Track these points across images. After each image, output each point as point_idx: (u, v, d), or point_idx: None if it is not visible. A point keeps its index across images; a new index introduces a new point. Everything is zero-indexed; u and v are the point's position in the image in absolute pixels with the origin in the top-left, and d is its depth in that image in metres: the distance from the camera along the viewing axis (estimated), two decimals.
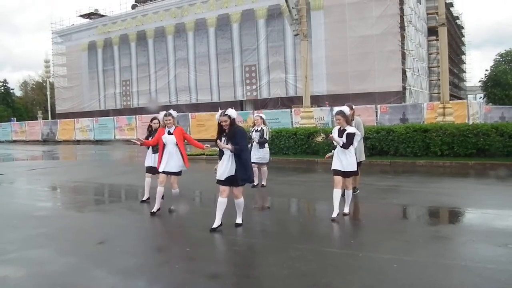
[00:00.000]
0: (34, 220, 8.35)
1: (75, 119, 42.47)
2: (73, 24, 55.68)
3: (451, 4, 50.49)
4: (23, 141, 45.10)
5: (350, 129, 7.63)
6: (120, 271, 5.27)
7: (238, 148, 6.63)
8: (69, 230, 7.51)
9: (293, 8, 21.64)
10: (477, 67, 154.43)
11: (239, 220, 7.08)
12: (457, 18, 57.06)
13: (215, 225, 6.87)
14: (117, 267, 5.43)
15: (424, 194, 9.91)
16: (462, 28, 62.15)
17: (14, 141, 46.06)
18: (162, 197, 8.62)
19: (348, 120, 7.77)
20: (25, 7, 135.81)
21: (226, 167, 6.74)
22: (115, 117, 39.48)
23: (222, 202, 6.87)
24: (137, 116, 36.79)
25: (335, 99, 34.47)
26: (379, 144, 15.54)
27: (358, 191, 9.64)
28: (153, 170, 9.25)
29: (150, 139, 9.46)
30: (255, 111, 28.93)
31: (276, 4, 39.56)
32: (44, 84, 70.75)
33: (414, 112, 25.17)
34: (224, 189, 6.82)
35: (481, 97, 55.30)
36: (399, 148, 15.30)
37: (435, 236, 6.55)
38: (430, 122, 19.24)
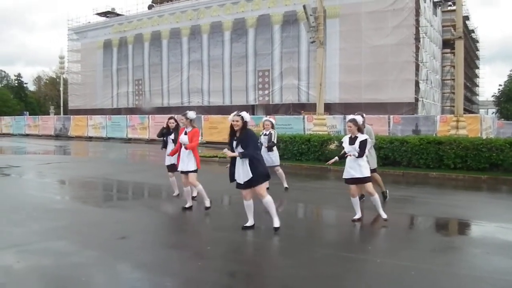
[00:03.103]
0: (53, 213, 8.57)
1: (88, 116, 42.79)
2: (89, 22, 56.26)
3: (467, 18, 50.41)
4: (36, 135, 45.52)
5: (361, 137, 7.78)
6: (144, 266, 5.41)
7: (245, 154, 6.72)
8: (88, 224, 7.65)
9: (310, 15, 21.80)
10: (487, 81, 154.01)
11: (276, 224, 6.94)
12: (472, 31, 56.98)
13: (248, 224, 7.08)
14: (140, 262, 5.57)
15: (438, 205, 9.98)
16: (477, 42, 62.04)
17: (27, 135, 46.51)
18: (194, 198, 9.11)
19: (360, 128, 7.91)
20: (40, 4, 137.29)
21: (241, 170, 6.85)
22: (128, 115, 39.74)
23: (248, 205, 7.06)
24: (150, 115, 37.07)
25: (347, 108, 34.59)
26: (392, 155, 15.60)
27: (388, 197, 9.85)
28: (173, 168, 9.49)
29: (167, 138, 9.74)
30: (268, 116, 29.14)
31: (292, 10, 39.83)
32: (58, 80, 71.48)
33: (426, 124, 25.19)
34: (246, 192, 6.95)
35: (493, 112, 55.07)
36: (412, 159, 15.36)
37: (450, 247, 6.65)
38: (442, 135, 19.28)
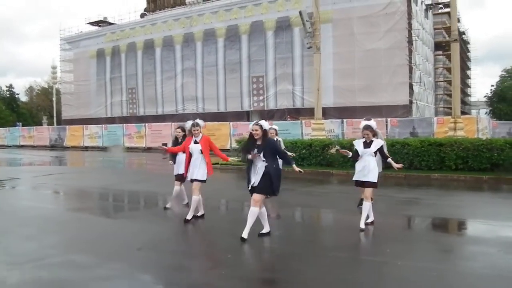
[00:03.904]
0: (64, 225, 8.53)
1: (84, 126, 42.70)
2: (81, 32, 56.13)
3: (458, 20, 50.90)
4: (31, 146, 45.33)
5: (377, 142, 7.89)
6: (169, 277, 5.43)
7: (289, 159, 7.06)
8: (102, 236, 7.58)
9: (307, 21, 22.01)
10: (478, 82, 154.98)
11: (244, 234, 6.83)
12: (463, 33, 57.52)
13: (264, 231, 7.14)
14: (164, 273, 5.56)
15: (444, 206, 10.12)
16: (468, 43, 62.64)
17: (22, 146, 46.27)
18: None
19: (375, 133, 8.05)
20: (31, 15, 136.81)
21: (259, 176, 6.91)
22: (124, 124, 39.72)
23: (261, 213, 7.06)
24: (146, 124, 37.05)
25: (342, 112, 34.80)
26: (394, 157, 15.68)
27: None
28: (182, 178, 9.45)
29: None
30: (267, 122, 29.21)
31: (285, 16, 40.04)
32: (50, 90, 71.17)
33: (423, 126, 25.43)
34: None
35: (486, 112, 55.67)
36: (413, 162, 15.50)
37: (465, 247, 6.77)
38: (439, 137, 19.48)
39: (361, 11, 36.46)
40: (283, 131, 26.78)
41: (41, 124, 59.68)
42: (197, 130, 8.55)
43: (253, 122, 7.09)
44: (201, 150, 8.40)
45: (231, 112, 42.39)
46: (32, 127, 51.51)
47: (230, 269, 5.68)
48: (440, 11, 45.59)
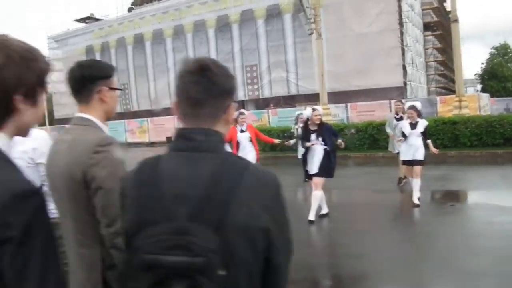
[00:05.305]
0: None
1: None
2: (68, 29, 55.48)
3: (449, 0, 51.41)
4: None
5: (423, 122, 8.30)
6: None
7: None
8: None
9: (307, 7, 22.28)
10: (465, 60, 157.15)
11: (310, 217, 7.18)
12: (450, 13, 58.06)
13: (323, 212, 7.52)
14: None
15: (474, 180, 10.68)
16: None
17: None
18: None
19: (419, 114, 8.42)
20: (13, 14, 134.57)
21: (316, 161, 7.26)
22: (126, 120, 39.56)
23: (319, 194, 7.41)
24: (149, 118, 37.12)
25: (336, 96, 35.09)
26: None
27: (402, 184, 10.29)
28: None
29: None
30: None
31: (275, 4, 40.02)
32: None
33: (426, 106, 25.79)
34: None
35: (477, 90, 56.36)
36: None
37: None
38: (443, 116, 19.92)
39: None
40: (287, 118, 27.12)
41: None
42: (244, 118, 8.87)
43: (308, 109, 7.44)
44: (249, 137, 8.73)
45: None
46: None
47: (311, 248, 6.00)
48: None
